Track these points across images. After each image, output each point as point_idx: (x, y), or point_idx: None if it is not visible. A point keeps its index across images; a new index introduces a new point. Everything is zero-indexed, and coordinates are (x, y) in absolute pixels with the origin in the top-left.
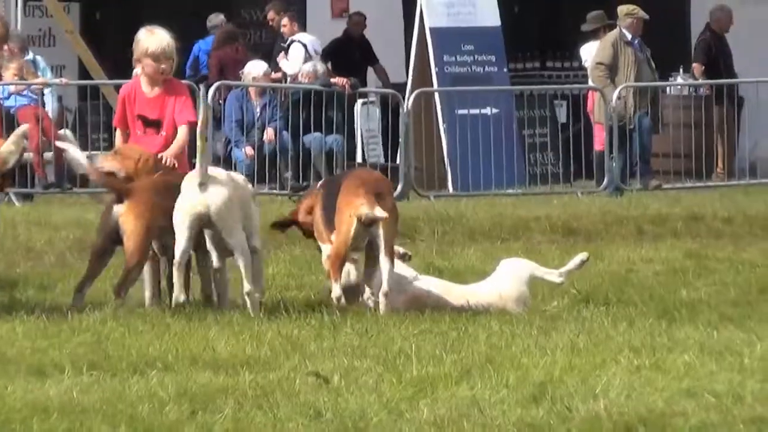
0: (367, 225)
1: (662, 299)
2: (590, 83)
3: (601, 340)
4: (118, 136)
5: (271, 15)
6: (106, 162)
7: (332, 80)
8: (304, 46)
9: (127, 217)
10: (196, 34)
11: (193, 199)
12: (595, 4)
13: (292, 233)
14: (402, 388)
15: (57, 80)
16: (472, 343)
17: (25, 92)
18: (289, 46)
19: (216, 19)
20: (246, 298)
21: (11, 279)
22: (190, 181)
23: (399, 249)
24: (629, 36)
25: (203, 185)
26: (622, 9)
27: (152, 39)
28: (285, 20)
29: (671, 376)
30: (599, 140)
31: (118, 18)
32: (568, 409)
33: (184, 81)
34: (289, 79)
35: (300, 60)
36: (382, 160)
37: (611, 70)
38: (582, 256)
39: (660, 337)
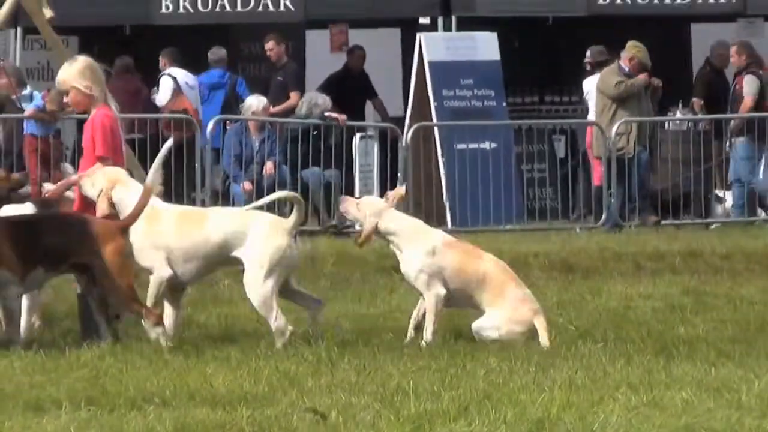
0: None
1: (660, 336)
2: (589, 117)
3: (599, 377)
4: None
5: (270, 45)
6: None
7: (327, 114)
8: (174, 78)
9: None
10: (195, 67)
11: (292, 254)
12: (594, 39)
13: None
14: (400, 424)
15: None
16: (470, 380)
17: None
18: (160, 79)
19: (219, 52)
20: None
21: None
22: (279, 230)
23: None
24: (626, 69)
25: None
26: (630, 44)
27: None
28: (161, 58)
29: (669, 413)
30: (597, 176)
31: (117, 52)
32: None
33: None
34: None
35: (168, 92)
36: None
37: (614, 102)
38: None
39: (658, 374)
